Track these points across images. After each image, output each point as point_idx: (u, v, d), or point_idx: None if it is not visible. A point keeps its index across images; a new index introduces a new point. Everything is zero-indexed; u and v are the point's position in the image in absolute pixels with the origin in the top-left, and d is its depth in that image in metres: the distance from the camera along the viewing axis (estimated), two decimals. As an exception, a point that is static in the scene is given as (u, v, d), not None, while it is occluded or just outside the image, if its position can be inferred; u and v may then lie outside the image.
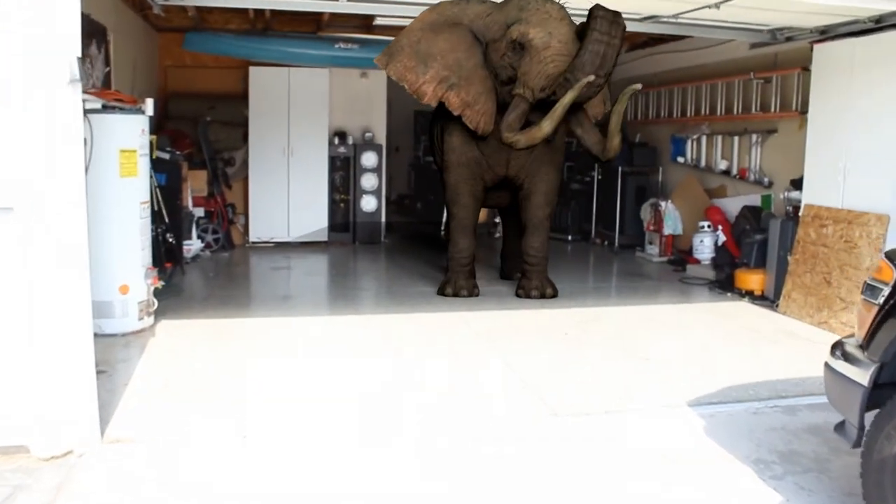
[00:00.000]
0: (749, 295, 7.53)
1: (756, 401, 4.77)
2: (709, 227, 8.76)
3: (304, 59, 9.24)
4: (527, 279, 7.07)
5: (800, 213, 7.15)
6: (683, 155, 9.59)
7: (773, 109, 7.95)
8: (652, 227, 9.47)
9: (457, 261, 7.10)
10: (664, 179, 10.04)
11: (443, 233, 11.48)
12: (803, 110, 7.57)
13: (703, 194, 9.04)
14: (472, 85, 6.57)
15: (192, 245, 8.62)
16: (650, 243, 9.52)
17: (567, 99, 5.93)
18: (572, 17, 6.27)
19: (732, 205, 8.69)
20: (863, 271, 6.26)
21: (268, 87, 9.65)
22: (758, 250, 7.59)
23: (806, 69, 7.46)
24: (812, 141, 6.94)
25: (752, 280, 7.56)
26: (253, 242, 9.84)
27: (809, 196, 7.00)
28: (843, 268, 6.48)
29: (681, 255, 9.25)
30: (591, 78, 5.82)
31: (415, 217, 12.86)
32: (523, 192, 7.07)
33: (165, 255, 7.42)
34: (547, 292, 7.02)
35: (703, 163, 9.29)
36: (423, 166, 13.61)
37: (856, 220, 6.45)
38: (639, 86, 6.42)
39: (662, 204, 9.31)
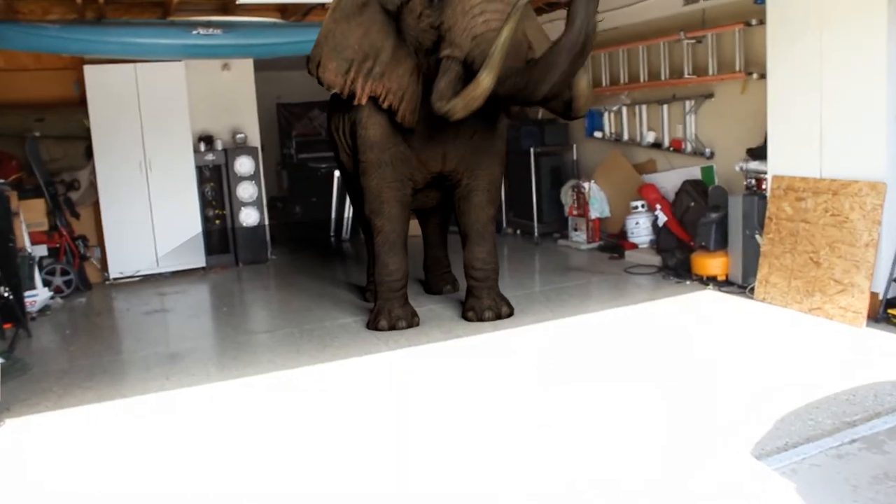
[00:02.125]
0: (712, 281, 6.55)
1: (826, 435, 3.70)
2: (643, 206, 7.74)
3: (153, 50, 7.32)
4: (475, 298, 5.71)
5: (765, 187, 6.23)
6: (601, 129, 8.50)
7: (710, 72, 6.95)
8: (575, 212, 8.35)
9: (388, 286, 5.63)
10: (580, 158, 8.93)
11: (332, 237, 10.04)
12: (748, 70, 6.66)
13: (633, 171, 7.99)
14: (393, 69, 5.21)
15: (37, 295, 6.66)
16: (575, 229, 8.40)
17: (505, 34, 4.41)
18: None
19: (667, 180, 7.70)
20: (860, 248, 5.36)
21: (111, 88, 7.68)
22: (717, 230, 6.62)
23: (748, 24, 6.52)
24: (775, 105, 5.94)
25: (714, 264, 6.57)
26: (115, 279, 7.89)
27: (777, 166, 6.03)
28: (833, 245, 5.55)
29: (611, 240, 8.21)
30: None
31: (295, 222, 11.19)
32: (461, 191, 5.68)
33: (1, 316, 5.61)
34: (503, 311, 5.68)
35: (625, 136, 8.22)
36: (296, 165, 11.94)
37: (843, 191, 5.53)
38: None
39: (585, 185, 8.19)
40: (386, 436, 3.92)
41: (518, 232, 9.28)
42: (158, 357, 5.45)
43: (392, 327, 5.57)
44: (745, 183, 6.45)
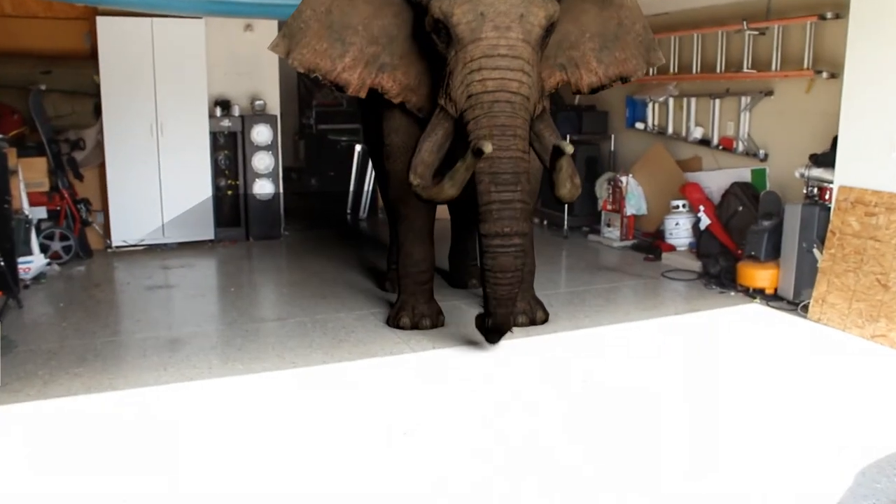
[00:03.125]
0: (759, 294, 5.99)
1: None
2: (684, 206, 7.15)
3: (172, 4, 6.70)
4: (508, 299, 5.15)
5: (828, 197, 5.64)
6: (643, 120, 7.88)
7: (773, 67, 6.32)
8: (610, 207, 7.76)
9: (413, 278, 5.07)
10: (617, 149, 8.31)
11: (348, 215, 9.48)
12: (817, 68, 6.04)
13: (676, 168, 7.38)
14: (412, 64, 4.49)
15: (33, 262, 6.12)
16: (608, 225, 7.81)
17: (468, 163, 3.86)
18: None
19: (712, 180, 7.09)
20: (938, 274, 4.81)
21: (124, 43, 7.07)
22: (769, 240, 6.04)
23: (822, 17, 5.89)
24: (849, 108, 5.31)
25: (763, 276, 5.99)
26: (117, 247, 7.33)
27: (845, 176, 5.43)
28: (905, 268, 5.00)
29: (646, 240, 7.63)
30: (489, 150, 3.80)
31: (311, 195, 10.60)
32: None
33: (-10, 285, 5.11)
34: (538, 317, 5.11)
35: (670, 129, 7.61)
36: (315, 135, 11.35)
37: (922, 208, 4.97)
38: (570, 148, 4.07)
39: (623, 179, 7.59)
40: (404, 447, 3.40)
41: (545, 223, 8.69)
42: (158, 342, 4.90)
43: (415, 326, 5.01)
44: (804, 191, 5.84)
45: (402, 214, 5.02)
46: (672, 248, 7.14)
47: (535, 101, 4.04)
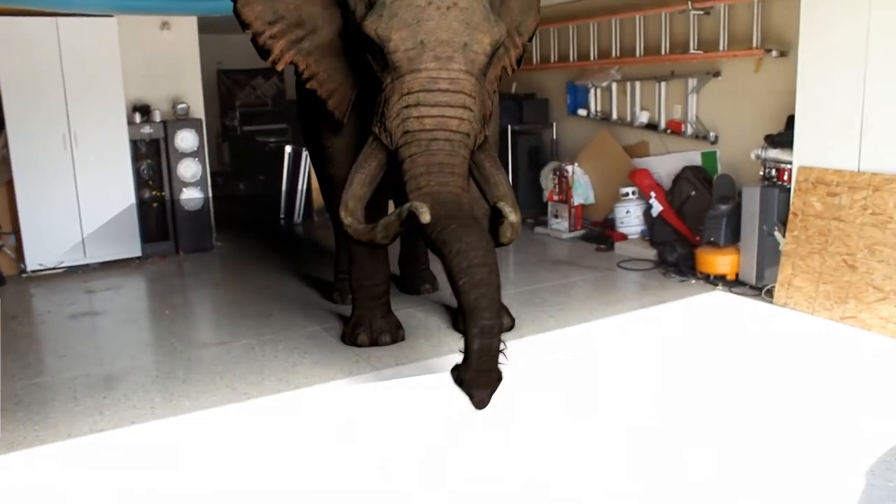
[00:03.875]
0: (720, 280, 5.81)
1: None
2: (634, 193, 6.94)
3: (79, 2, 6.10)
4: (472, 306, 4.78)
5: (786, 178, 5.47)
6: (585, 107, 7.62)
7: (720, 47, 6.13)
8: (556, 197, 7.49)
9: (367, 291, 4.65)
10: (559, 138, 8.04)
11: (282, 219, 8.95)
12: (766, 47, 5.87)
13: (623, 154, 7.14)
14: (325, 57, 4.05)
15: (-64, 295, 5.47)
16: (555, 216, 7.53)
17: (402, 219, 3.35)
18: None
19: (661, 165, 6.88)
20: (907, 252, 4.69)
21: (26, 46, 6.33)
22: (727, 225, 5.86)
23: (768, -7, 5.72)
24: (806, 86, 5.13)
25: (723, 262, 5.80)
26: (33, 272, 6.61)
27: (804, 156, 5.25)
28: (873, 248, 4.83)
29: (596, 230, 7.39)
30: (426, 220, 3.23)
31: (239, 200, 9.98)
32: None
33: None
34: (504, 323, 4.69)
35: (614, 115, 7.38)
36: (241, 138, 10.73)
37: (886, 186, 4.79)
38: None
39: (569, 168, 7.33)
40: (383, 483, 3.02)
41: (488, 217, 8.37)
42: (89, 381, 4.34)
43: (374, 342, 4.59)
44: (761, 173, 5.68)
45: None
46: (624, 237, 6.91)
47: (477, 134, 3.65)
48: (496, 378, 3.18)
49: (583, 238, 7.34)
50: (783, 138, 5.52)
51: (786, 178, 5.47)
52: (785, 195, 5.43)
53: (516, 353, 4.50)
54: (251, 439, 3.62)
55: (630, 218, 6.91)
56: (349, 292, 5.49)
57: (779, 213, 5.48)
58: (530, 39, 4.58)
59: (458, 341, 4.69)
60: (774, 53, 5.71)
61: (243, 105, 11.08)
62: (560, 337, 4.82)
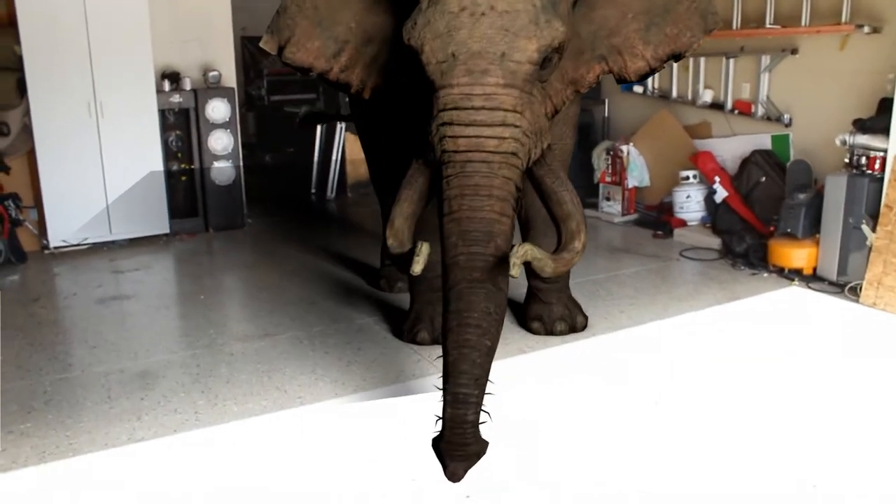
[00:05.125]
0: (797, 275, 5.33)
1: None
2: (695, 177, 6.41)
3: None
4: (543, 304, 4.28)
5: (878, 167, 4.94)
6: (642, 83, 7.10)
7: (803, 22, 5.57)
8: (609, 179, 6.97)
9: (429, 283, 4.08)
10: (611, 115, 7.50)
11: (313, 194, 8.45)
12: (857, 22, 5.31)
13: (684, 135, 6.58)
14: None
15: (-47, 274, 5.01)
16: (607, 199, 7.01)
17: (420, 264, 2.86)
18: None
19: (725, 148, 6.33)
20: None
21: (50, 7, 5.78)
22: (806, 215, 5.36)
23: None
24: (909, 64, 4.68)
25: (799, 255, 5.31)
26: (56, 248, 6.12)
27: (902, 143, 4.78)
28: (983, 247, 4.37)
29: (650, 214, 6.88)
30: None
31: (266, 174, 9.43)
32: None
33: None
34: (578, 323, 4.28)
35: (674, 93, 6.83)
36: (268, 108, 10.18)
37: None
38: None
39: (624, 148, 6.80)
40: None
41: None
42: (123, 378, 3.89)
43: (435, 341, 4.08)
44: (846, 160, 5.16)
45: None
46: (683, 224, 6.40)
47: (531, 149, 3.15)
48: (472, 453, 2.75)
49: (636, 223, 6.82)
50: (876, 123, 4.97)
51: (877, 166, 4.94)
52: (876, 185, 4.90)
53: (593, 354, 4.10)
54: (308, 451, 3.18)
55: (690, 203, 6.39)
56: (397, 280, 5.08)
57: (868, 204, 4.96)
58: (676, 58, 3.68)
59: (526, 340, 4.32)
60: (866, 29, 5.14)
61: (271, 74, 10.51)
62: (636, 336, 4.36)
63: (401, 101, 3.65)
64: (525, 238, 4.30)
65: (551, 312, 4.24)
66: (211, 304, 5.03)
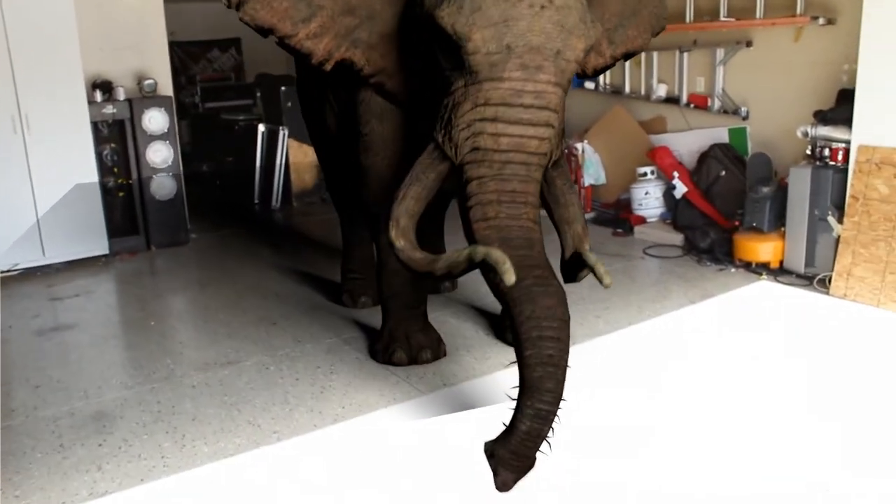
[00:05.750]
0: (764, 269, 5.28)
1: None
2: (653, 173, 6.33)
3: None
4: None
5: (841, 158, 4.92)
6: (594, 79, 6.99)
7: (757, 14, 5.52)
8: (565, 179, 6.85)
9: (403, 300, 3.89)
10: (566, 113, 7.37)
11: (256, 205, 8.06)
12: (812, 14, 5.28)
13: (640, 131, 6.49)
14: (392, 48, 3.37)
15: None
16: (563, 199, 6.90)
17: (479, 257, 2.64)
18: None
19: (681, 143, 6.29)
20: None
21: (-37, 14, 5.37)
22: (771, 208, 5.31)
23: (817, -47, 5.13)
24: (868, 58, 4.57)
25: (766, 249, 5.27)
26: (-17, 276, 5.73)
27: (865, 135, 4.70)
28: (951, 235, 4.38)
29: (607, 212, 6.77)
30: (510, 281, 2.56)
31: (204, 184, 8.94)
32: None
33: None
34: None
35: (627, 88, 6.75)
36: (203, 115, 9.70)
37: (966, 167, 4.33)
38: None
39: (578, 146, 6.68)
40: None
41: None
42: (75, 421, 3.51)
43: (413, 360, 3.87)
44: (807, 152, 5.14)
45: (382, 219, 3.84)
46: (643, 221, 6.31)
47: (553, 151, 2.97)
48: (530, 465, 2.67)
49: (594, 221, 6.69)
50: (837, 114, 4.96)
51: (840, 157, 4.93)
52: (840, 176, 4.90)
53: (577, 364, 3.92)
54: (292, 493, 2.90)
55: (649, 200, 6.31)
56: (360, 294, 4.82)
57: (833, 196, 4.95)
58: (627, 57, 3.98)
59: (505, 353, 4.10)
60: (821, 21, 5.13)
61: (204, 80, 10.03)
62: (617, 342, 4.21)
63: (393, 87, 3.48)
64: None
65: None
66: (163, 331, 4.65)
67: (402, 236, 2.94)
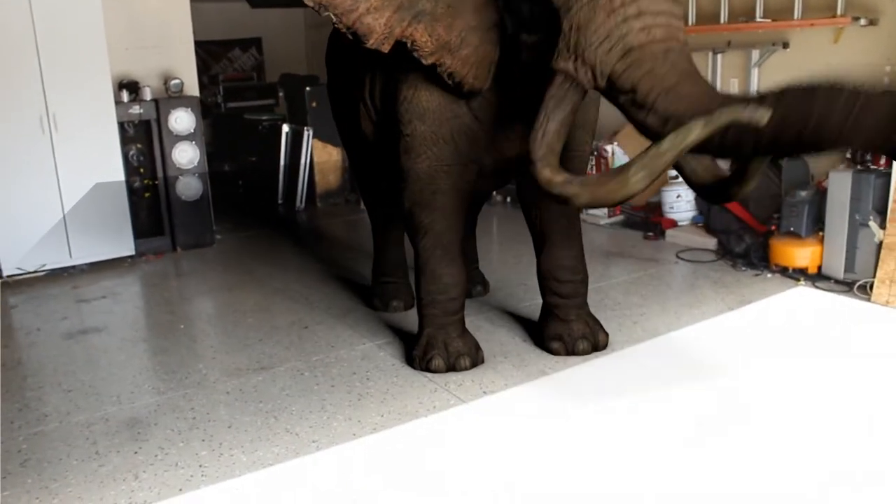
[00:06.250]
0: (801, 274, 5.16)
1: None
2: (685, 176, 6.22)
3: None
4: (561, 321, 3.95)
5: (884, 163, 4.81)
6: (623, 81, 6.87)
7: (795, 14, 5.40)
8: (593, 181, 6.74)
9: (441, 307, 3.80)
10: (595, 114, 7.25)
11: (280, 205, 8.00)
12: (853, 15, 5.16)
13: (671, 134, 6.42)
14: (457, 15, 3.22)
15: None
16: (592, 202, 6.79)
17: (694, 135, 2.49)
18: None
19: (714, 146, 6.20)
20: None
21: (-8, 14, 5.34)
22: (809, 213, 5.19)
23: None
24: (915, 56, 4.54)
25: (803, 254, 5.14)
26: (10, 277, 5.57)
27: (910, 136, 4.65)
28: None
29: (637, 214, 6.65)
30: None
31: (228, 184, 8.89)
32: None
33: None
34: (600, 340, 3.96)
35: (658, 91, 6.64)
36: (225, 115, 9.65)
37: None
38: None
39: (608, 148, 6.57)
40: None
41: (508, 200, 7.58)
42: (109, 427, 3.45)
43: (451, 367, 3.78)
44: (847, 156, 5.03)
45: (423, 225, 3.73)
46: (674, 224, 6.19)
47: None
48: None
49: (624, 224, 6.61)
50: (879, 117, 4.85)
51: (882, 162, 4.82)
52: (883, 181, 4.77)
53: (619, 372, 3.82)
54: (334, 503, 2.82)
55: (681, 203, 6.19)
56: (391, 298, 4.74)
57: (875, 201, 4.82)
58: None
59: (543, 360, 4.01)
60: (863, 22, 5.00)
61: (227, 79, 9.98)
62: (657, 349, 4.09)
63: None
64: (540, 253, 4.01)
65: (571, 331, 3.93)
66: (193, 335, 4.59)
67: (560, 171, 2.80)
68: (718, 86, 6.07)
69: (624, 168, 2.72)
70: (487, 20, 3.31)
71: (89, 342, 4.49)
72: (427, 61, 3.31)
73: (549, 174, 2.80)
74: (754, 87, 5.83)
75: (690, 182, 3.21)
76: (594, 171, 6.59)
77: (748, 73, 5.83)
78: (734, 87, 6.00)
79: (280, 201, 7.96)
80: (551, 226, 3.91)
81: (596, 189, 2.80)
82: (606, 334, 4.05)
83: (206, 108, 10.22)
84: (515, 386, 3.69)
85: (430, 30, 3.23)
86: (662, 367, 3.90)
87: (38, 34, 5.41)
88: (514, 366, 3.90)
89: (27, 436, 3.38)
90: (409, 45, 3.25)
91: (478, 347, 3.90)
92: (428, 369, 3.82)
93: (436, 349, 3.82)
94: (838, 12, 5.11)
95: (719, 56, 5.98)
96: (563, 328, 3.95)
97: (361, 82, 4.02)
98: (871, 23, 5.01)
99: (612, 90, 2.78)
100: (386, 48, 3.23)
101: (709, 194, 3.27)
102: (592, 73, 2.76)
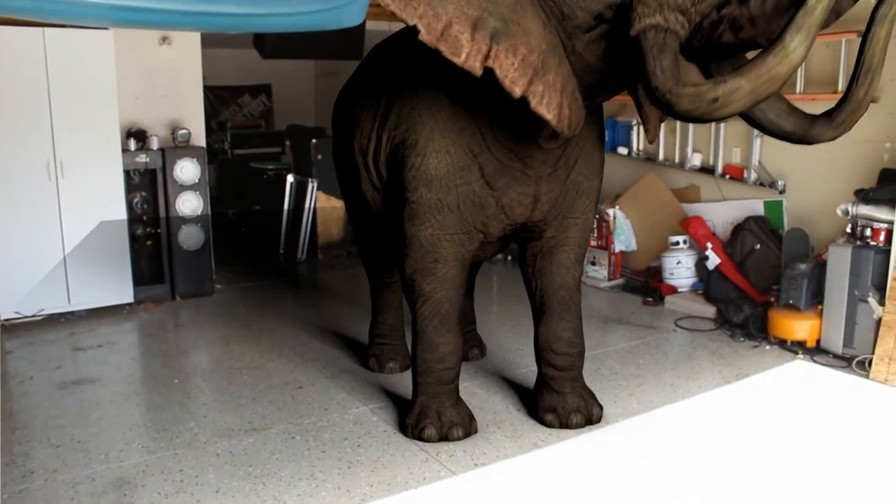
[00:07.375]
0: (799, 347, 5.14)
1: None
2: (685, 242, 6.24)
3: (72, 11, 5.13)
4: (556, 393, 3.92)
5: (883, 239, 4.83)
6: (627, 145, 6.93)
7: (797, 89, 5.49)
8: (595, 243, 6.75)
9: (436, 375, 3.77)
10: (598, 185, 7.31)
11: (281, 255, 8.02)
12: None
13: (673, 199, 6.42)
14: (530, 34, 2.90)
15: None
16: (592, 263, 6.79)
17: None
18: None
19: (715, 213, 6.20)
20: None
21: (8, 60, 5.32)
22: (808, 286, 5.20)
23: (861, 34, 5.09)
24: (915, 137, 4.59)
25: (802, 327, 5.13)
26: (7, 320, 5.59)
27: (909, 215, 4.67)
28: None
29: (637, 279, 6.66)
30: None
31: (230, 231, 8.94)
32: (542, 245, 3.88)
33: None
34: (594, 414, 3.93)
35: (660, 155, 6.71)
36: (231, 161, 9.75)
37: None
38: None
39: (609, 212, 6.61)
40: None
41: (508, 258, 7.60)
42: (95, 487, 3.40)
43: (444, 437, 3.74)
44: (847, 230, 5.04)
45: (423, 293, 3.72)
46: (674, 290, 6.19)
47: None
48: None
49: (623, 288, 6.61)
50: (879, 195, 4.86)
51: (882, 238, 4.83)
52: (882, 257, 4.77)
53: (612, 446, 3.77)
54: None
55: (681, 269, 6.19)
56: (388, 360, 4.71)
57: (874, 277, 4.83)
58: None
59: (536, 432, 3.97)
60: (864, 98, 5.09)
61: (234, 126, 10.11)
62: (652, 423, 4.06)
63: None
64: (538, 323, 4.00)
65: (566, 403, 3.90)
66: (187, 390, 4.56)
67: (700, 85, 2.68)
68: (720, 154, 6.17)
69: (776, 41, 2.58)
70: (554, 41, 3.02)
71: (82, 394, 4.46)
72: (518, 90, 2.88)
73: (692, 91, 2.65)
74: (756, 156, 5.90)
75: (772, 132, 3.18)
76: (595, 234, 6.64)
77: (750, 143, 5.89)
78: (737, 157, 6.07)
79: (282, 251, 7.98)
80: (551, 296, 3.91)
81: (756, 73, 2.61)
82: (601, 407, 4.01)
83: (212, 153, 10.37)
84: (507, 458, 3.65)
85: (513, 50, 2.86)
86: (656, 442, 3.87)
87: (51, 80, 5.49)
88: (507, 437, 3.87)
89: (11, 493, 3.34)
90: (497, 71, 2.85)
91: (471, 417, 3.87)
92: (420, 438, 3.77)
93: (429, 418, 3.78)
94: (839, 88, 5.19)
95: (722, 125, 6.05)
96: (558, 400, 3.92)
97: (365, 146, 4.06)
98: (872, 100, 5.07)
99: (708, 24, 2.77)
100: (479, 68, 2.83)
101: (795, 138, 3.17)
102: (680, 17, 2.69)
